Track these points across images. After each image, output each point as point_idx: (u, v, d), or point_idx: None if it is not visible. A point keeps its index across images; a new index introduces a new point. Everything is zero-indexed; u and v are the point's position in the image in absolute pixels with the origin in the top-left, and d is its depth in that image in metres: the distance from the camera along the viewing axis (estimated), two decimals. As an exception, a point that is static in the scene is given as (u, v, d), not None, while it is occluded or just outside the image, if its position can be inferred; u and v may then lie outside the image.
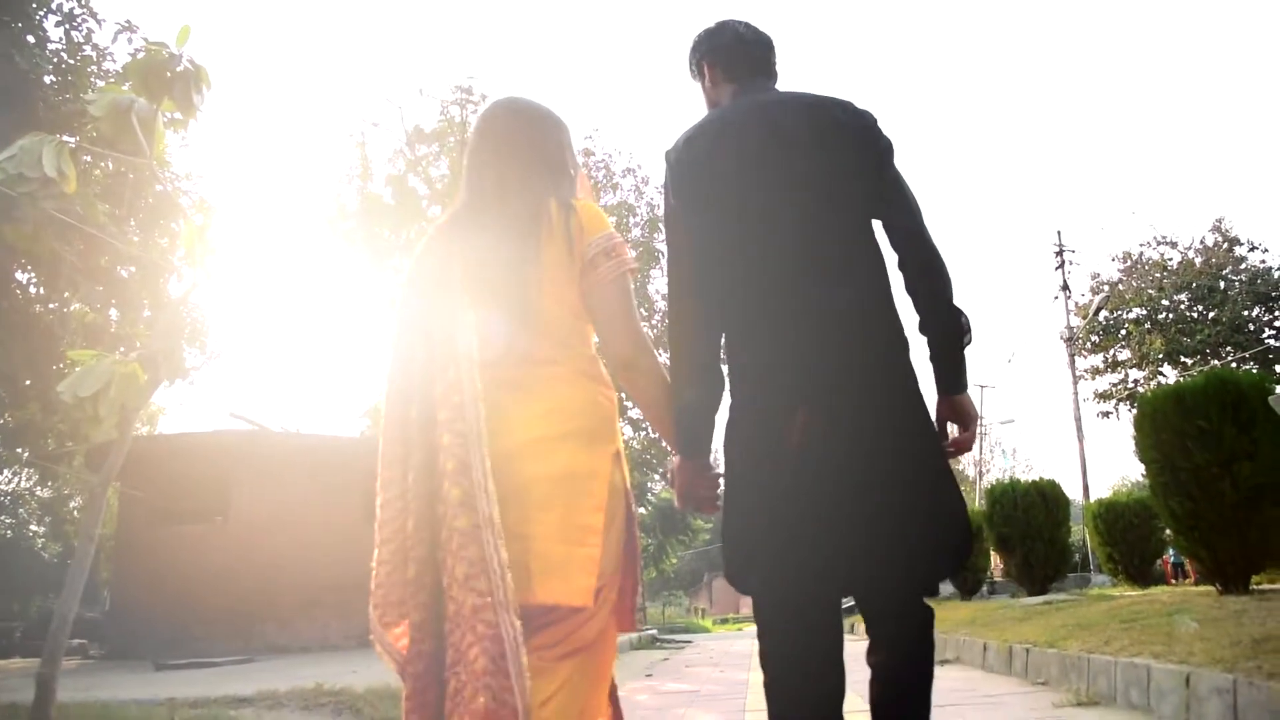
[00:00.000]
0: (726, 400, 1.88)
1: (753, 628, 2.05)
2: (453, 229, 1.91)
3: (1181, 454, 6.24)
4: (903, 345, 1.82)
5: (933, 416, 1.86)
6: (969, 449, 1.91)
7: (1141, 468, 7.05)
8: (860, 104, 1.92)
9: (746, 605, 49.32)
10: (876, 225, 1.87)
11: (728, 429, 1.85)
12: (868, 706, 1.80)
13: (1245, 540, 6.10)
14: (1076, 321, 27.23)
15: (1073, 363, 26.84)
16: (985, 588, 15.98)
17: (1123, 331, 26.17)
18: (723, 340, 1.88)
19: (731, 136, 1.86)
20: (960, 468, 46.43)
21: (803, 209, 1.79)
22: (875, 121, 1.89)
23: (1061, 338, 27.23)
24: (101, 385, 3.37)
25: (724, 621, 38.45)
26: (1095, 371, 27.09)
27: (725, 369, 1.88)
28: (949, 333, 1.81)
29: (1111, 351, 26.76)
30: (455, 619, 1.63)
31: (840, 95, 1.93)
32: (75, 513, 21.56)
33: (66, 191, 3.51)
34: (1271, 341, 24.15)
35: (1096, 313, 26.32)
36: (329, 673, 5.56)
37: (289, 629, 10.58)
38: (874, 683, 1.80)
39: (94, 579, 16.09)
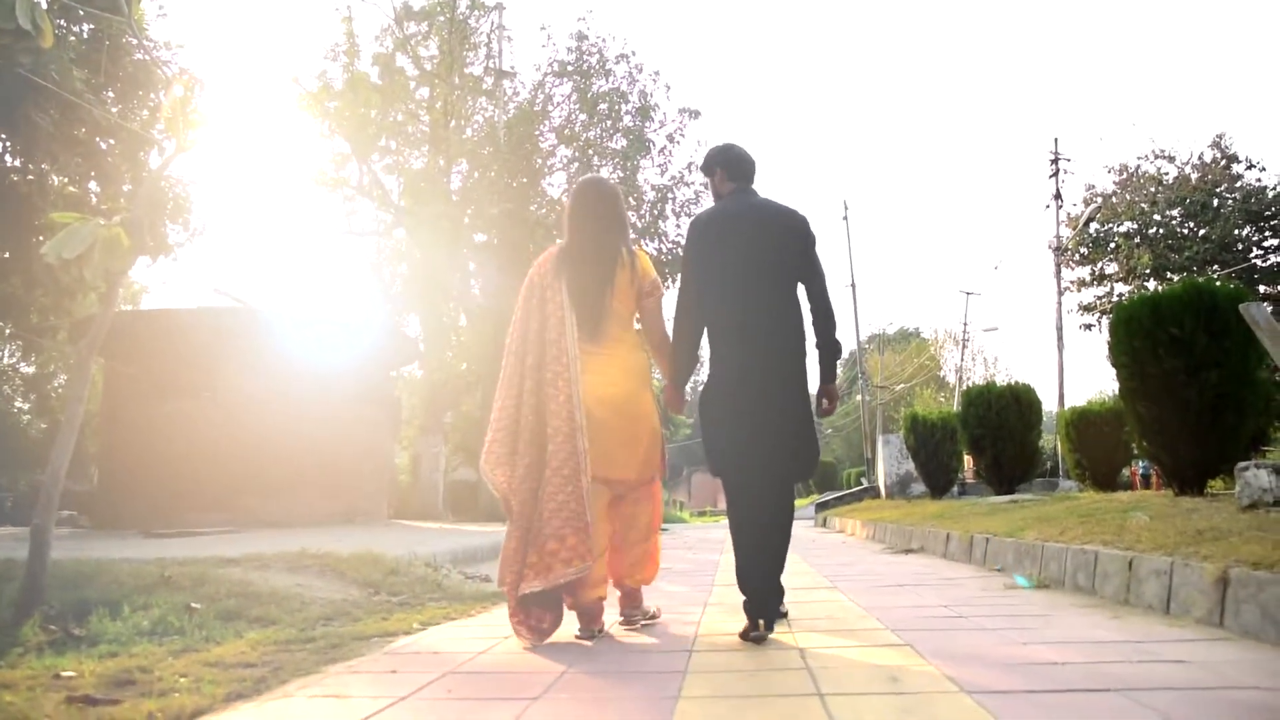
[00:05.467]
0: (705, 361, 3.52)
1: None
2: (561, 259, 3.38)
3: (1153, 359, 6.36)
4: (802, 354, 3.27)
5: (811, 394, 3.37)
6: (832, 414, 3.79)
7: (1117, 382, 7.17)
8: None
9: (724, 500, 50.54)
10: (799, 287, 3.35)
11: (704, 391, 3.32)
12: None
13: (1205, 446, 6.28)
14: (1066, 232, 27.13)
15: (1059, 273, 26.86)
16: (956, 488, 16.37)
17: (1112, 244, 26.08)
18: (705, 333, 3.37)
19: (734, 224, 3.30)
20: (941, 374, 47.25)
21: (762, 273, 3.24)
22: (808, 224, 3.33)
23: (1050, 247, 27.17)
24: (85, 248, 3.34)
25: (702, 514, 39.45)
26: (1081, 284, 27.10)
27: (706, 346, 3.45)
28: (830, 353, 3.30)
29: (1099, 264, 26.73)
30: (552, 485, 3.10)
31: (794, 203, 3.41)
32: (60, 389, 21.58)
33: (42, 46, 3.42)
34: (1259, 261, 24.17)
35: (1087, 223, 26.16)
36: (313, 542, 5.74)
37: (275, 504, 10.78)
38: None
39: (82, 454, 16.26)
